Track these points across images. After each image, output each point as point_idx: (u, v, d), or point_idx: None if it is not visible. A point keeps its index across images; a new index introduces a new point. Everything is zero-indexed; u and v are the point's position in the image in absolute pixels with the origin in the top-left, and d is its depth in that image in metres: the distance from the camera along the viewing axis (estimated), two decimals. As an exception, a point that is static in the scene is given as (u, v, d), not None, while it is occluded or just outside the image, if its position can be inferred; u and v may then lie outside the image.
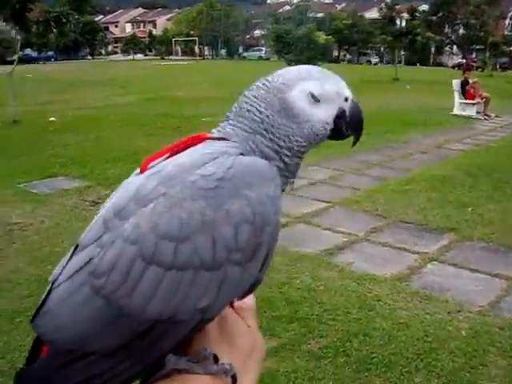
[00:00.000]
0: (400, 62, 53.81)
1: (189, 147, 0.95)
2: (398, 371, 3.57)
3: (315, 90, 0.95)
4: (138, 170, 0.97)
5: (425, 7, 75.23)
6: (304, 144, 0.97)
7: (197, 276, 0.83)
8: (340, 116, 0.98)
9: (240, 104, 0.99)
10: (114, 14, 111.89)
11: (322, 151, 10.51)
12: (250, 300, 1.01)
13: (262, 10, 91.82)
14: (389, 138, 12.30)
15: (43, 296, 0.91)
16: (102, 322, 0.84)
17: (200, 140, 0.97)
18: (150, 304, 0.82)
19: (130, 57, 75.79)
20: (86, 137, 12.16)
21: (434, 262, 5.42)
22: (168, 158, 0.95)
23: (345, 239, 6.02)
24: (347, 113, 0.98)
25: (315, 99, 0.95)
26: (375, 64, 67.06)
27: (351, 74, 35.77)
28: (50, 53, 69.45)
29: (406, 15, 42.89)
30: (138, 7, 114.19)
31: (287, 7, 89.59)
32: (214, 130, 1.00)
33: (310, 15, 71.59)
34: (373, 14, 65.16)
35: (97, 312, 0.84)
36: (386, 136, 12.43)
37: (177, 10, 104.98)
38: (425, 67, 59.35)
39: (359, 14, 73.80)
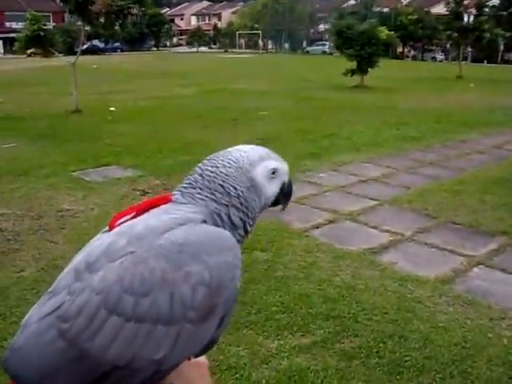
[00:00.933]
0: (466, 59, 52.41)
1: (153, 207, 1.07)
2: (431, 376, 3.49)
3: (275, 168, 1.11)
4: (107, 228, 1.09)
5: (496, 1, 72.96)
6: (258, 213, 1.12)
7: (154, 329, 0.91)
8: (281, 189, 1.15)
9: (206, 177, 1.09)
10: (180, 6, 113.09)
11: (376, 149, 10.41)
12: (203, 358, 1.12)
13: (327, 4, 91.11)
14: (446, 136, 11.99)
15: (15, 335, 1.00)
16: (64, 363, 0.91)
17: (164, 201, 1.08)
18: (109, 350, 0.90)
19: (194, 49, 76.52)
20: (143, 127, 12.37)
21: (481, 266, 5.26)
22: (135, 216, 1.06)
23: (391, 238, 5.92)
24: (285, 186, 1.15)
25: (273, 175, 1.11)
26: (440, 61, 65.61)
27: (410, 72, 35.22)
28: (117, 44, 70.77)
29: (474, 10, 41.70)
30: (203, 0, 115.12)
31: (352, 1, 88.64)
32: (177, 194, 1.10)
33: (376, 10, 70.69)
34: (439, 9, 63.67)
35: (60, 353, 0.92)
36: (444, 135, 12.13)
37: (241, 3, 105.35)
38: (492, 65, 57.78)
39: (425, 9, 72.23)
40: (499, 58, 66.99)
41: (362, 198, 7.38)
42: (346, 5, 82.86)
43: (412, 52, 74.31)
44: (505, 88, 20.68)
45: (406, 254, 5.55)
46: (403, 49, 71.88)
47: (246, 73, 32.15)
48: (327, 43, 71.18)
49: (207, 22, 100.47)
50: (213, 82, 25.04)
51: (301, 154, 9.37)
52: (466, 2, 38.22)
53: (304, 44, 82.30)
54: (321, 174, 8.25)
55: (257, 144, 1.18)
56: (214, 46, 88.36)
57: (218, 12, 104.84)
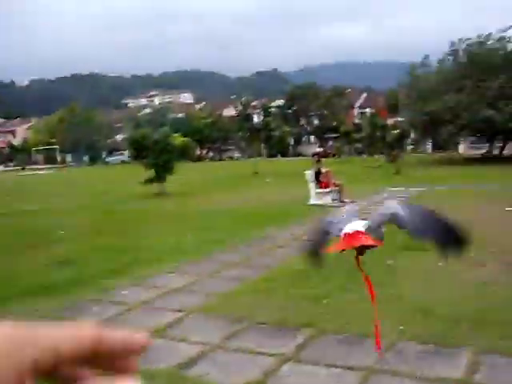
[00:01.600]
0: (262, 155, 55.61)
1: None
2: None
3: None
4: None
5: (282, 101, 79.29)
6: None
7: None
8: None
9: None
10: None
11: (179, 256, 10.35)
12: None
13: (123, 114, 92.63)
14: (247, 235, 12.33)
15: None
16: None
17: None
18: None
19: (-12, 169, 73.11)
20: None
21: (290, 363, 5.30)
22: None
23: (200, 349, 5.78)
24: None
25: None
26: (237, 159, 68.97)
27: (210, 173, 36.38)
28: None
29: (261, 112, 44.76)
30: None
31: (148, 110, 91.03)
32: None
33: (171, 116, 73.13)
34: (231, 111, 67.56)
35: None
36: (245, 233, 12.47)
37: (36, 118, 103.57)
38: (285, 158, 61.89)
39: (218, 112, 76.25)
40: (291, 152, 72.26)
41: (167, 311, 7.15)
42: (141, 113, 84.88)
43: (210, 153, 77.38)
44: (297, 180, 21.94)
45: (216, 362, 5.43)
46: (201, 151, 74.60)
47: (42, 190, 31.15)
48: (125, 153, 71.93)
49: (1, 139, 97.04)
50: (4, 203, 23.72)
51: (102, 272, 9.04)
52: (254, 103, 40.93)
53: (104, 155, 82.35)
54: (123, 292, 7.98)
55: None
56: (10, 164, 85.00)
57: (12, 129, 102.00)
